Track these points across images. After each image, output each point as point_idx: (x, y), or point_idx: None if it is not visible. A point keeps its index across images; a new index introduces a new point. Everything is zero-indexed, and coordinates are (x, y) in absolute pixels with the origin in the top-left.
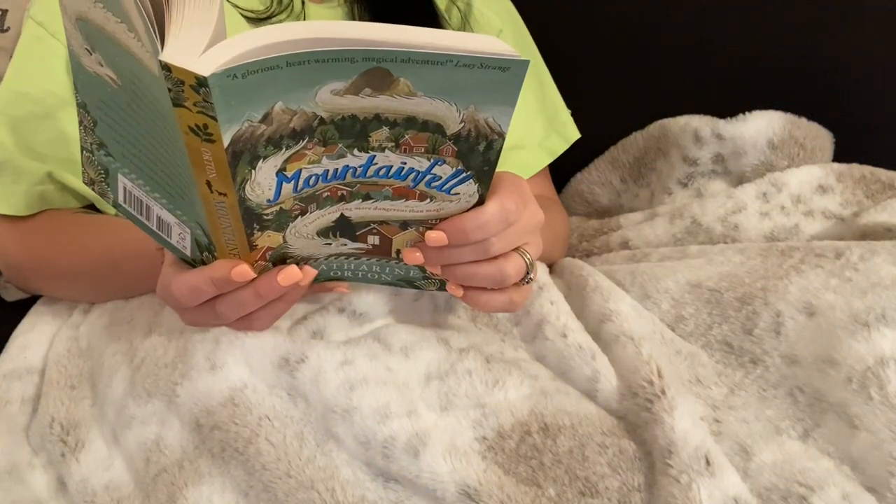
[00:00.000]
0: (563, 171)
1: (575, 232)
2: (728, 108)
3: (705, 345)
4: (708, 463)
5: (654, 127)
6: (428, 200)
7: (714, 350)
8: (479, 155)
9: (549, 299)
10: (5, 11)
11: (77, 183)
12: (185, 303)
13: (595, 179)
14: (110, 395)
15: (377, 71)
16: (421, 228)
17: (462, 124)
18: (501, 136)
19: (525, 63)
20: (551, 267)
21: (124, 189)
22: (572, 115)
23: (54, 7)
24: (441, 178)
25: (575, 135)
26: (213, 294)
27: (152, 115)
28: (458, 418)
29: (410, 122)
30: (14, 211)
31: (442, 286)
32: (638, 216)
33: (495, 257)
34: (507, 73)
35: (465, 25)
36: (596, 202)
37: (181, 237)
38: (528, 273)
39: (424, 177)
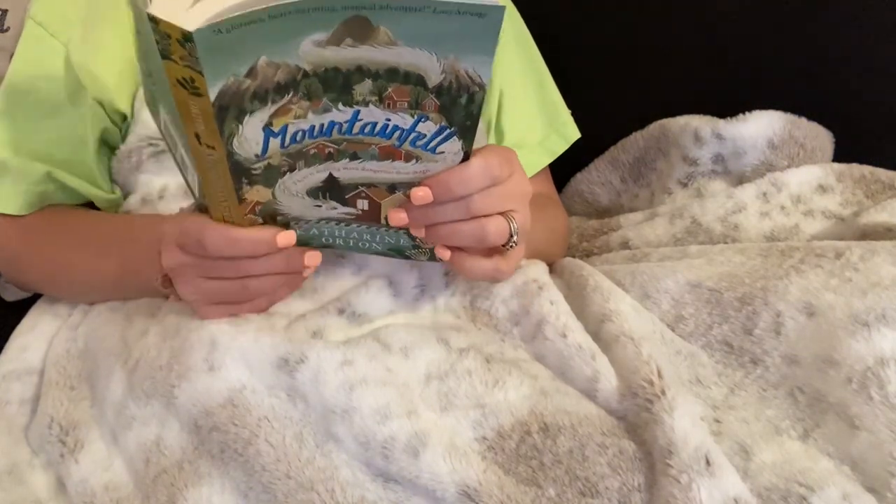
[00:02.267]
0: (563, 171)
1: (575, 232)
2: (728, 108)
3: (705, 345)
4: (708, 463)
5: (654, 127)
6: (414, 161)
7: (714, 350)
8: (461, 108)
9: (549, 299)
10: (5, 11)
11: (76, 183)
12: (213, 248)
13: (595, 179)
14: (109, 396)
15: (357, 20)
16: (408, 192)
17: (443, 75)
18: (482, 87)
19: (501, 9)
20: (551, 267)
21: (163, 121)
22: (572, 115)
23: (54, 7)
24: (425, 135)
25: (575, 135)
26: (248, 253)
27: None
28: (458, 418)
29: (392, 73)
30: (15, 210)
31: (432, 257)
32: (638, 216)
33: (478, 217)
34: (483, 20)
35: None
36: (596, 202)
37: (193, 181)
38: (511, 237)
39: (409, 134)
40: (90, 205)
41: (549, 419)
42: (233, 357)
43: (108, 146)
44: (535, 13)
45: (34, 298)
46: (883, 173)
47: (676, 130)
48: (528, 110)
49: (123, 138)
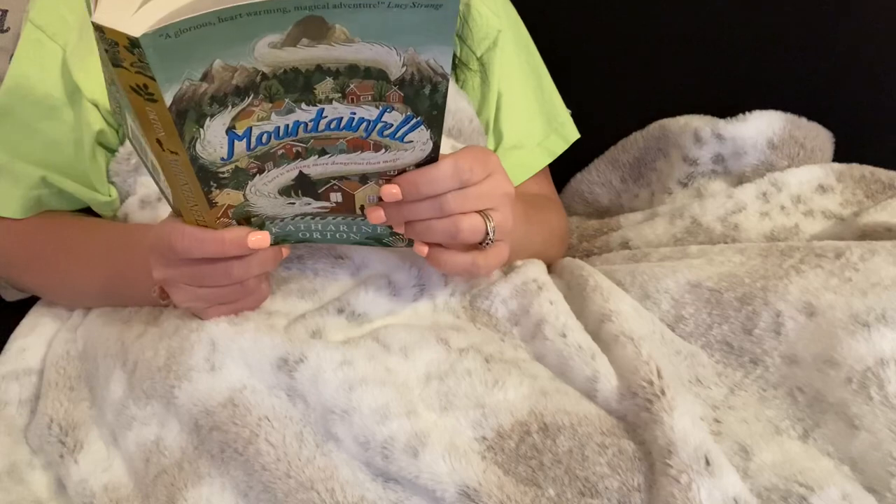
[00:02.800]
0: (563, 171)
1: (575, 232)
2: (728, 108)
3: (705, 345)
4: (708, 463)
5: (654, 127)
6: (383, 151)
7: (714, 350)
8: (425, 99)
9: (549, 299)
10: (5, 12)
11: (72, 187)
12: (181, 250)
13: (595, 179)
14: (108, 397)
15: (311, 19)
16: (381, 181)
17: (404, 68)
18: (445, 77)
19: (457, 0)
20: (550, 267)
21: (131, 128)
22: (572, 115)
23: (53, 10)
24: (392, 125)
25: (574, 135)
26: (218, 254)
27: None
28: (458, 418)
29: (353, 70)
30: (11, 214)
31: (410, 243)
32: (638, 216)
33: (452, 215)
34: (440, 11)
35: (463, 26)
36: (596, 202)
37: (165, 187)
38: (487, 235)
39: (376, 125)
40: (88, 210)
41: (549, 419)
42: (233, 357)
43: (104, 148)
44: (535, 14)
45: (34, 299)
46: (883, 173)
47: (676, 130)
48: (527, 111)
49: (122, 140)
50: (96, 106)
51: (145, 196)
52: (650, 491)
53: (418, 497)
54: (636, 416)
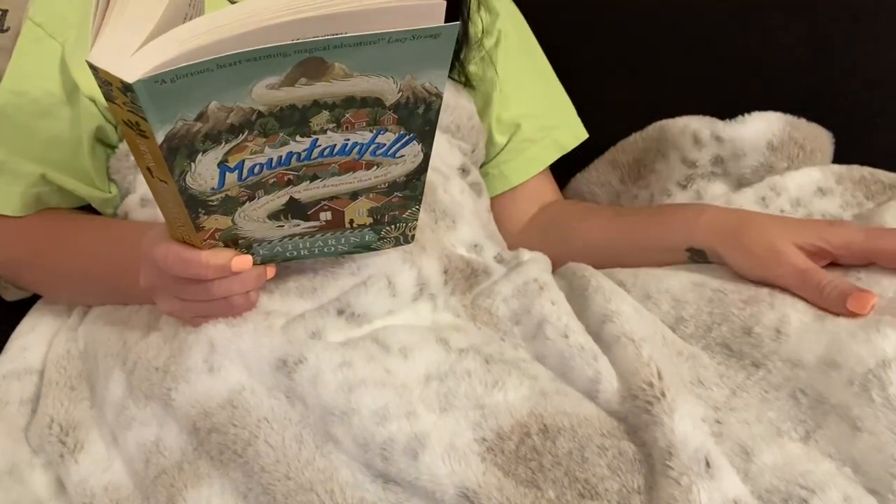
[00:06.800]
0: (563, 171)
1: None
2: (728, 108)
3: (706, 346)
4: (708, 465)
5: (654, 128)
6: (374, 168)
7: (715, 352)
8: (419, 118)
9: (551, 299)
10: (5, 11)
11: (72, 185)
12: (164, 268)
13: (594, 180)
14: (109, 397)
15: (311, 61)
16: (371, 195)
17: (400, 93)
18: (439, 96)
19: (455, 27)
20: (553, 267)
21: None
22: None
23: (52, 7)
24: (385, 144)
25: (583, 134)
26: (201, 276)
27: None
28: (458, 419)
29: (349, 101)
30: (11, 212)
31: (397, 243)
32: None
33: None
34: (438, 39)
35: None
36: (595, 203)
37: None
38: None
39: (369, 147)
40: (88, 207)
41: (549, 420)
42: (231, 359)
43: (103, 144)
44: (535, 14)
45: (34, 298)
46: (883, 174)
47: (675, 132)
48: (535, 102)
49: (121, 137)
50: (94, 102)
51: (145, 195)
52: (650, 493)
53: (418, 498)
54: (637, 418)
